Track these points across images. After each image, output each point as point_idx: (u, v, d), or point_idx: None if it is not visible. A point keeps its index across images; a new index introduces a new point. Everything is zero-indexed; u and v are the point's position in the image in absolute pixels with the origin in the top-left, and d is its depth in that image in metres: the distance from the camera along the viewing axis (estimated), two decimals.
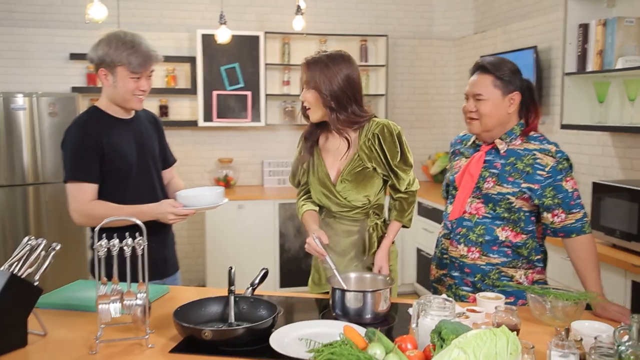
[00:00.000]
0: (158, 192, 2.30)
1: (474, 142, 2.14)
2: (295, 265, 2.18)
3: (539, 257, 2.06)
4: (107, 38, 2.13)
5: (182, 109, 5.15)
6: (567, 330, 1.32)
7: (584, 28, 3.30)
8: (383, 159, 2.10)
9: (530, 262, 2.04)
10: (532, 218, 2.03)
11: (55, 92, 4.65)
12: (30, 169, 4.41)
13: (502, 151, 2.04)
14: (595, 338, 1.33)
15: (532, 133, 2.05)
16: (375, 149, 2.09)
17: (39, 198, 4.46)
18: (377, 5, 5.56)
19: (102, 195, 2.16)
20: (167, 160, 2.43)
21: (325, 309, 1.89)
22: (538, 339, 1.47)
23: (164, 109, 5.08)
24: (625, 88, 3.19)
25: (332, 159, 2.17)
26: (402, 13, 5.64)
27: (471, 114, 2.04)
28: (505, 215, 2.01)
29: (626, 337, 1.23)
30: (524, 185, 1.97)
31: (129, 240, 1.57)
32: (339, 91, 2.05)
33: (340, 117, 2.07)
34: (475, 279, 2.04)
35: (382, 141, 2.08)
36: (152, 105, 4.91)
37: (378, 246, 2.14)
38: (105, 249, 1.55)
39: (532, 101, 2.07)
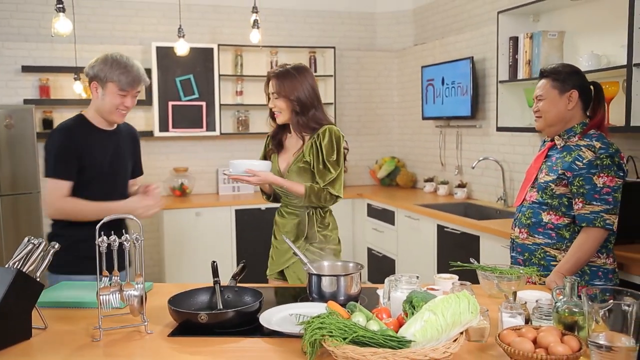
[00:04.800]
0: (125, 195, 2.50)
1: (544, 140, 2.44)
2: (252, 270, 2.36)
3: None
4: (104, 57, 2.35)
5: (137, 119, 5.20)
6: (515, 294, 1.58)
7: (514, 40, 3.65)
8: (320, 154, 2.40)
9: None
10: None
11: (10, 105, 4.62)
12: None
13: (559, 146, 2.30)
14: (537, 301, 1.60)
15: (591, 131, 2.24)
16: (317, 145, 2.42)
17: None
18: (324, 19, 5.82)
19: (75, 191, 2.35)
20: (135, 171, 2.64)
21: (301, 295, 2.07)
22: (489, 308, 1.72)
23: None
24: None
25: (285, 155, 2.54)
26: (347, 26, 5.92)
27: (536, 113, 2.35)
28: (549, 201, 2.24)
29: (562, 296, 1.50)
30: (560, 172, 2.21)
31: (127, 236, 1.73)
32: (304, 97, 2.42)
33: (301, 121, 2.44)
34: (524, 257, 2.30)
35: (322, 139, 2.40)
36: None
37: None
38: (106, 245, 1.69)
39: (597, 100, 2.29)
